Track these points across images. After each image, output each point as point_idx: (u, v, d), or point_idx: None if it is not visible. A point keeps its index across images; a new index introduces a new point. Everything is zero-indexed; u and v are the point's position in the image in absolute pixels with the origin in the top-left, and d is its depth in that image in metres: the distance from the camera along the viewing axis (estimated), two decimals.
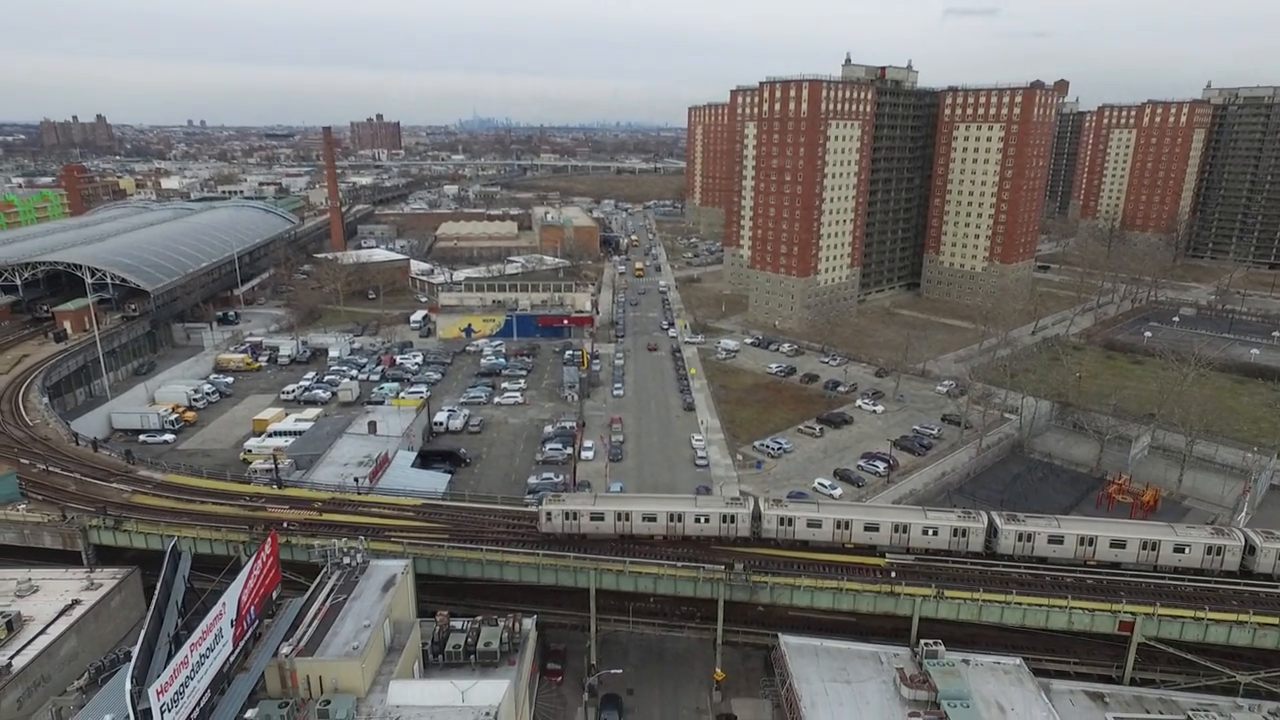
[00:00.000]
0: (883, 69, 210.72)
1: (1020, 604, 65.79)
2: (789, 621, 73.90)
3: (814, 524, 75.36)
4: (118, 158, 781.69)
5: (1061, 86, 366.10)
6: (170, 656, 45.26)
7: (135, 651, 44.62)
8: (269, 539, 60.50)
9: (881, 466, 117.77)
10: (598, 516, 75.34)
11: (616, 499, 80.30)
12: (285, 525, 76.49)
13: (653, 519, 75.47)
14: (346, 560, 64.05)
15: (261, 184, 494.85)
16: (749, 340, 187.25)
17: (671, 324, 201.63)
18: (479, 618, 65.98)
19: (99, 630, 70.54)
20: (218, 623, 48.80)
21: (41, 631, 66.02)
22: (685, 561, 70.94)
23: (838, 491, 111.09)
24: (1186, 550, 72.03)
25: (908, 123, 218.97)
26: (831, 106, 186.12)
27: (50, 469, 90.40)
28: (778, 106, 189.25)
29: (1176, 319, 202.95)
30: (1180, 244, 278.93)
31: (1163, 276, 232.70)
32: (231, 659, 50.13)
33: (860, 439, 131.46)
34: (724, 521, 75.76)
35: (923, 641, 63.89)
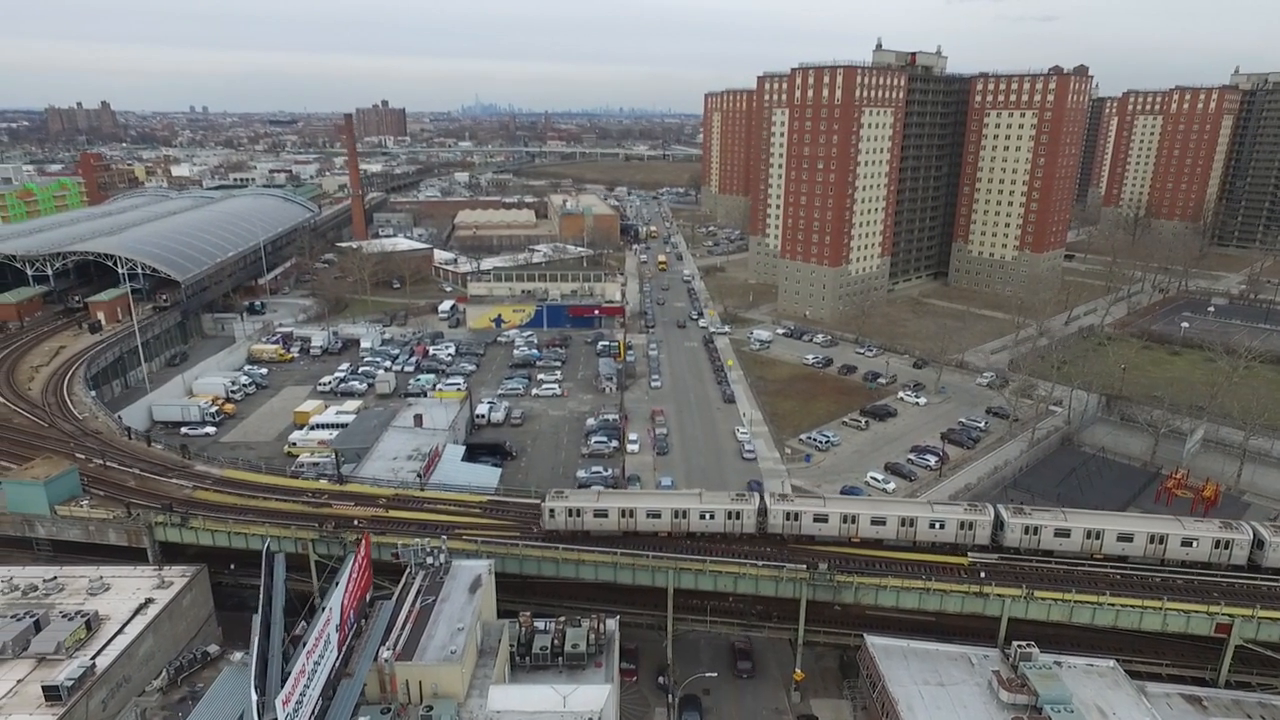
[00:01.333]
0: (913, 55, 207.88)
1: (1113, 605, 64.63)
2: (863, 620, 73.09)
3: (820, 518, 74.35)
4: (124, 145, 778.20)
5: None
6: (285, 664, 44.25)
7: (252, 660, 43.67)
8: (363, 541, 59.39)
9: (932, 460, 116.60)
10: (601, 513, 74.47)
11: (620, 495, 79.28)
12: (356, 523, 75.47)
13: (657, 515, 74.59)
14: (429, 560, 63.02)
15: (271, 171, 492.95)
16: (781, 331, 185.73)
17: (701, 314, 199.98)
18: (562, 618, 65.10)
19: (172, 629, 69.84)
20: (326, 628, 47.84)
21: (119, 631, 65.25)
22: (766, 560, 69.85)
23: (891, 486, 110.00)
24: (1194, 544, 70.97)
25: (937, 109, 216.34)
26: (865, 93, 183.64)
27: (108, 464, 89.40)
28: (810, 93, 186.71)
29: (1212, 309, 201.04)
30: (1207, 232, 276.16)
31: (1193, 266, 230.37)
32: (336, 665, 49.17)
33: (906, 431, 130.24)
34: (729, 518, 74.62)
35: (1015, 643, 62.83)
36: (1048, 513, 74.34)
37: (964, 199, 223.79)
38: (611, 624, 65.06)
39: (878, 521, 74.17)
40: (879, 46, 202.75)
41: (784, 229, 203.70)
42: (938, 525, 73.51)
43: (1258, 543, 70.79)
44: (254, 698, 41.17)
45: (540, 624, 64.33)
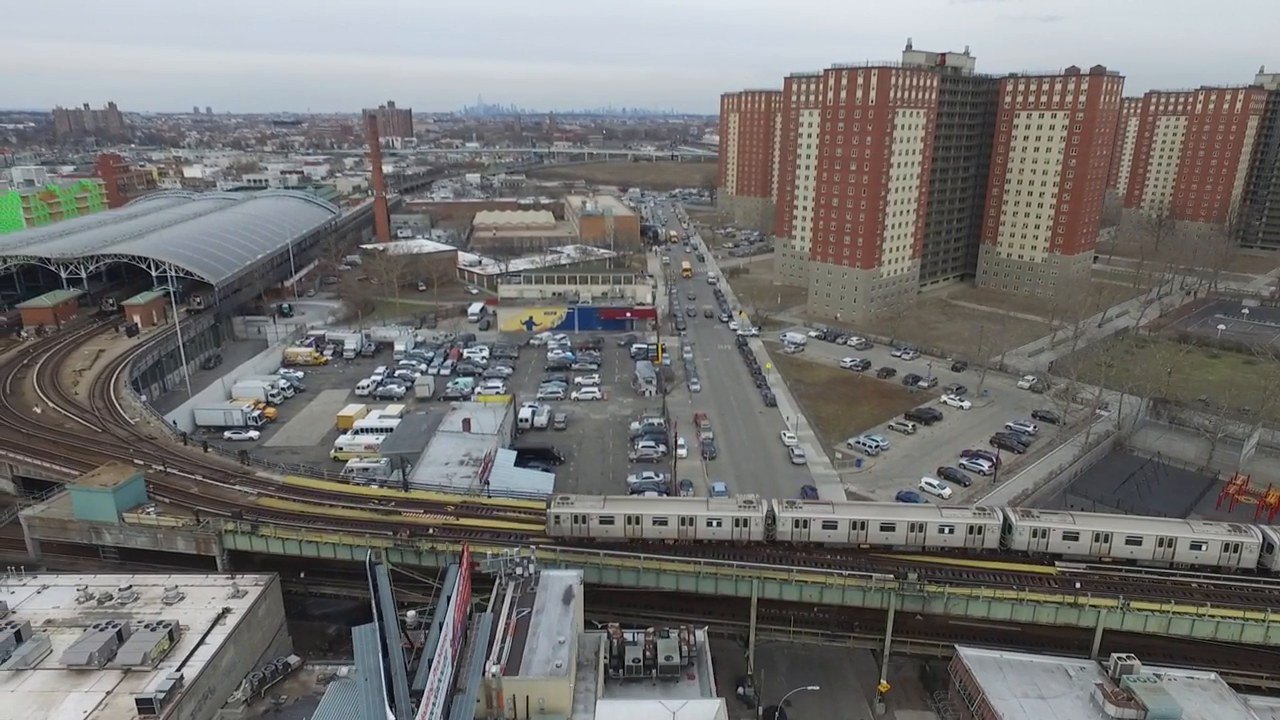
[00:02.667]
0: (942, 56, 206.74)
1: (1213, 616, 63.55)
2: (943, 630, 72.11)
3: (829, 525, 73.26)
4: (133, 146, 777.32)
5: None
6: (410, 679, 43.26)
7: (381, 678, 42.68)
8: (464, 552, 58.41)
9: (985, 465, 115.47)
10: (607, 520, 73.33)
11: (626, 502, 78.26)
12: (430, 531, 74.53)
13: (664, 522, 73.34)
14: (519, 570, 62.03)
15: (283, 172, 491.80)
16: (813, 333, 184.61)
17: (731, 316, 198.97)
18: (650, 629, 64.13)
19: (250, 639, 69.01)
20: (444, 644, 46.81)
21: (201, 641, 64.37)
22: (852, 570, 68.84)
23: (947, 491, 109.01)
24: (1204, 547, 70.01)
25: (965, 110, 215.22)
26: (899, 94, 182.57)
27: (168, 470, 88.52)
28: (843, 94, 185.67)
29: (1246, 311, 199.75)
30: (1231, 233, 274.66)
31: (1222, 267, 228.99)
32: (451, 681, 48.17)
33: (953, 436, 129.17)
34: (736, 525, 73.35)
35: (1115, 655, 61.80)
36: (1055, 515, 73.73)
37: (992, 200, 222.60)
38: (701, 634, 64.11)
39: (887, 527, 73.10)
40: (909, 47, 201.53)
41: (814, 231, 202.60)
42: (947, 530, 72.60)
43: (1267, 546, 69.96)
44: (390, 717, 40.08)
45: (628, 635, 63.35)
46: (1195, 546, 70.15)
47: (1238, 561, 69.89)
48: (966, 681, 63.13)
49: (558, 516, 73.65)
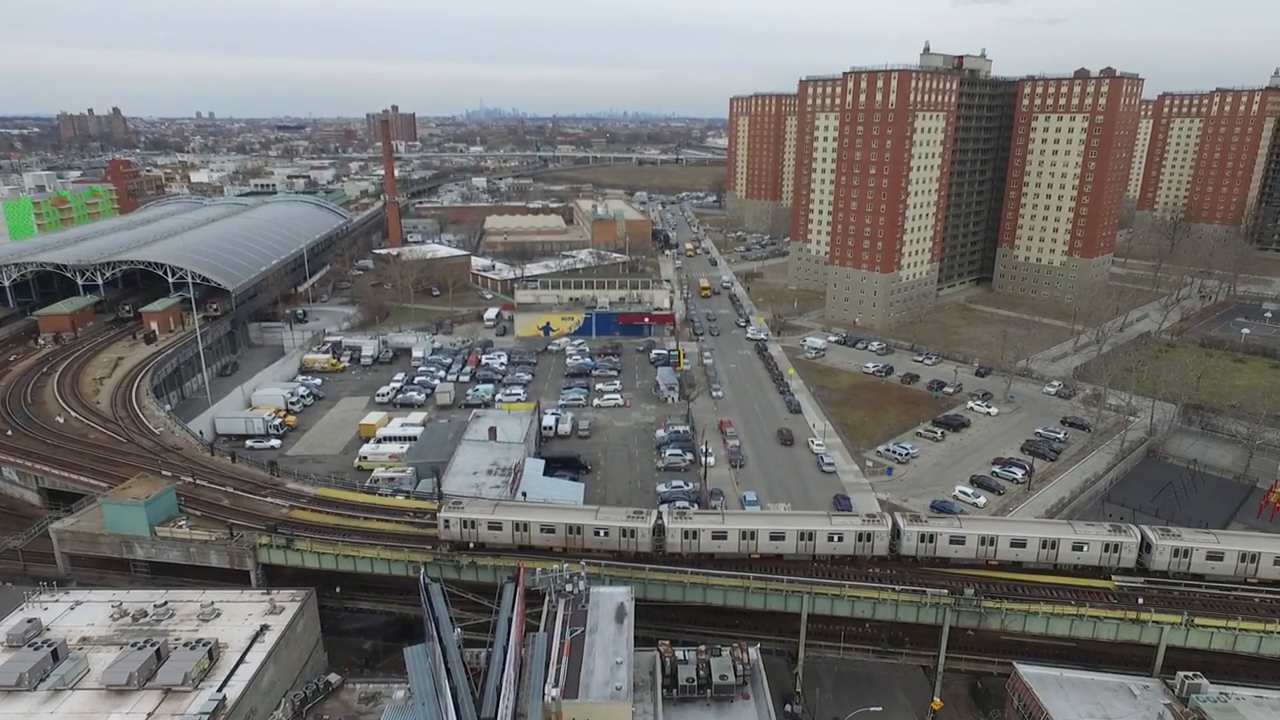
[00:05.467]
0: (960, 58, 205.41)
1: None
2: (996, 646, 70.51)
3: (719, 535, 71.19)
4: (138, 151, 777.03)
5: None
6: (476, 703, 41.69)
7: (448, 704, 41.10)
8: (519, 572, 56.85)
9: (1018, 473, 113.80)
10: (495, 526, 72.39)
11: (515, 508, 77.07)
12: (472, 546, 72.93)
13: (551, 530, 72.24)
14: (569, 588, 60.48)
15: (290, 177, 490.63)
16: (833, 338, 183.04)
17: (748, 321, 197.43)
18: (702, 647, 62.59)
19: (289, 657, 67.41)
20: (510, 669, 45.26)
21: (241, 660, 62.73)
22: (905, 584, 67.23)
23: (981, 500, 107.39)
24: (1085, 548, 69.54)
25: (983, 113, 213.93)
26: (919, 98, 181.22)
27: (198, 482, 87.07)
28: (863, 98, 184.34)
29: (1269, 314, 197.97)
30: (1247, 236, 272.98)
31: (1240, 270, 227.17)
32: (513, 706, 46.62)
33: (982, 443, 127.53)
34: (623, 535, 71.44)
35: (1181, 674, 60.13)
36: (943, 520, 73.47)
37: (1010, 204, 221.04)
38: (754, 652, 62.48)
39: (776, 536, 71.33)
40: (926, 50, 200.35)
41: (833, 235, 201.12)
42: (836, 538, 71.03)
43: (1146, 545, 69.30)
44: None
45: (679, 653, 61.80)
46: (1077, 548, 69.59)
47: (1118, 561, 69.49)
48: (1027, 700, 61.43)
49: (447, 521, 73.19)
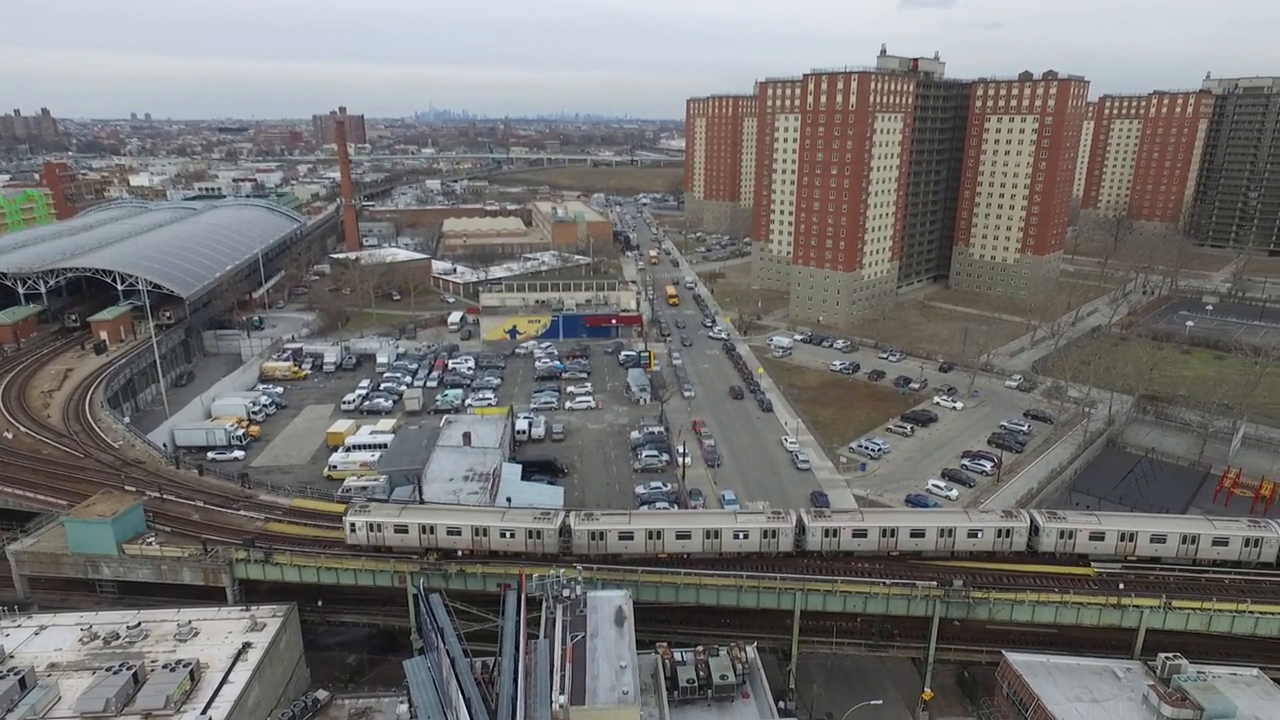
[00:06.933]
0: (915, 61, 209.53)
1: (1253, 613, 64.39)
2: (981, 635, 71.89)
3: (625, 536, 72.61)
4: (70, 154, 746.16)
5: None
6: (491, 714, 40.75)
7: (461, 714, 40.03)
8: (521, 578, 55.83)
9: (988, 466, 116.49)
10: (401, 529, 73.44)
11: (421, 510, 77.82)
12: (459, 554, 71.61)
13: (457, 532, 73.32)
14: (566, 593, 59.69)
15: (235, 180, 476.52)
16: (798, 337, 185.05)
17: (714, 321, 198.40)
18: (700, 648, 62.40)
19: (273, 674, 65.30)
20: (522, 679, 44.34)
21: (224, 680, 60.49)
22: (894, 579, 68.09)
23: (954, 493, 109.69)
24: (980, 535, 72.58)
25: (938, 115, 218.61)
26: (878, 99, 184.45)
27: (165, 496, 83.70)
28: (824, 99, 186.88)
29: (1210, 308, 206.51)
30: (1185, 232, 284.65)
31: (1182, 266, 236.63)
32: (522, 715, 45.71)
33: (950, 437, 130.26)
34: (529, 537, 72.75)
35: (1163, 655, 62.07)
36: (845, 515, 75.58)
37: (964, 203, 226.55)
38: (751, 651, 62.49)
39: (732, 534, 72.66)
40: (883, 52, 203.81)
41: (796, 235, 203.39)
42: (744, 535, 72.79)
43: (1034, 529, 72.76)
44: None
45: (677, 654, 61.51)
46: (972, 534, 72.79)
47: (1010, 544, 72.71)
48: (1018, 687, 62.74)
49: (354, 525, 73.51)
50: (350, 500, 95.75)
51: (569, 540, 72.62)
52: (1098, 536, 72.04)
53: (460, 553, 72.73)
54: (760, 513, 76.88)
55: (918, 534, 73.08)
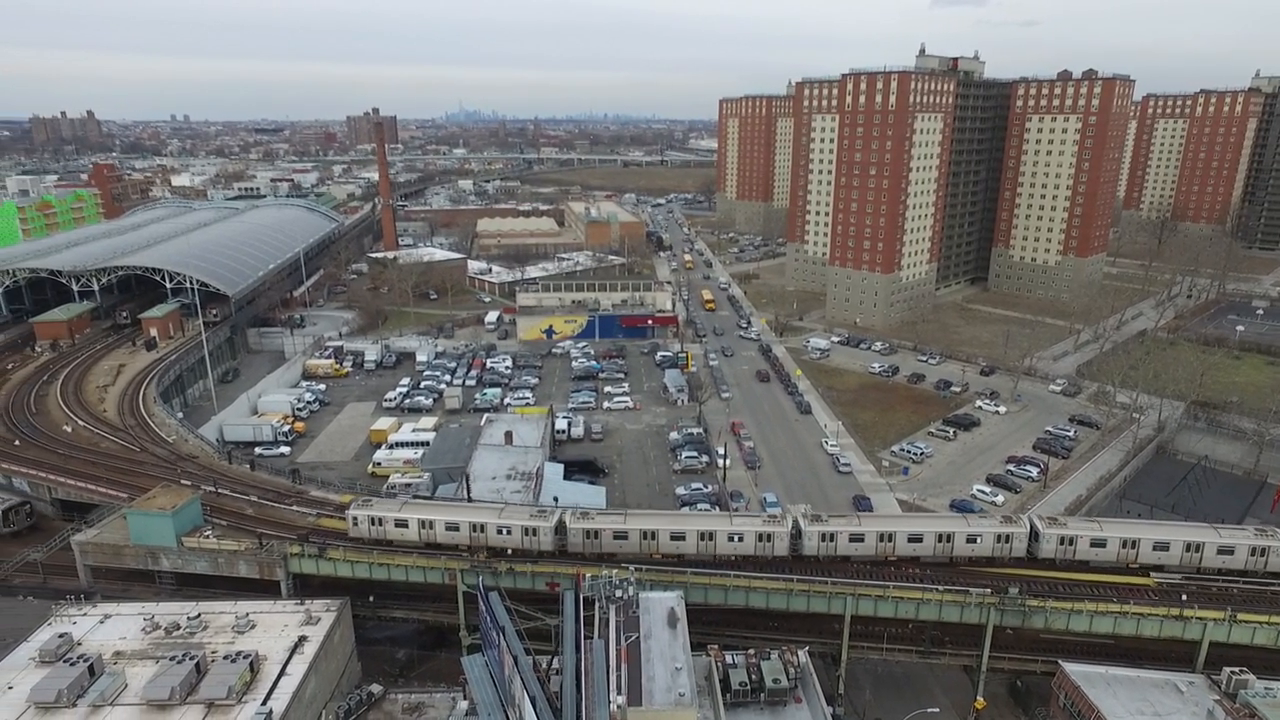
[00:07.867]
0: (954, 60, 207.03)
1: None
2: (1039, 644, 70.82)
3: (620, 535, 72.47)
4: (114, 155, 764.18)
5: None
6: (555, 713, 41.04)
7: (526, 717, 40.37)
8: (578, 578, 56.17)
9: (1034, 471, 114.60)
10: (402, 523, 74.61)
11: (421, 506, 79.20)
12: (509, 552, 72.15)
13: (455, 528, 74.18)
14: (619, 594, 59.85)
15: (273, 180, 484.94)
16: (835, 339, 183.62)
17: (749, 322, 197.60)
18: (751, 650, 62.20)
19: (328, 668, 66.36)
20: (583, 679, 44.59)
21: (282, 672, 61.64)
22: (948, 585, 67.32)
23: (999, 499, 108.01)
24: (979, 540, 71.42)
25: (977, 114, 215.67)
26: (918, 99, 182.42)
27: (220, 491, 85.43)
28: (862, 99, 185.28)
29: (1260, 312, 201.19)
30: (1232, 234, 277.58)
31: (1230, 269, 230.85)
32: (585, 713, 45.97)
33: (994, 441, 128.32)
34: (525, 534, 73.08)
35: (1228, 670, 60.65)
36: (841, 518, 75.42)
37: (1005, 204, 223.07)
38: (803, 655, 62.10)
39: (726, 537, 72.09)
40: (922, 52, 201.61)
41: (833, 236, 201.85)
42: (739, 538, 72.31)
43: (1034, 535, 71.72)
44: None
45: (728, 657, 61.38)
46: (971, 540, 71.52)
47: (1009, 551, 71.49)
48: (1076, 699, 61.66)
49: (356, 519, 75.05)
50: (394, 496, 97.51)
51: (564, 538, 73.35)
52: (1099, 543, 70.88)
53: (459, 548, 73.86)
54: (755, 515, 77.13)
55: (915, 539, 72.11)
